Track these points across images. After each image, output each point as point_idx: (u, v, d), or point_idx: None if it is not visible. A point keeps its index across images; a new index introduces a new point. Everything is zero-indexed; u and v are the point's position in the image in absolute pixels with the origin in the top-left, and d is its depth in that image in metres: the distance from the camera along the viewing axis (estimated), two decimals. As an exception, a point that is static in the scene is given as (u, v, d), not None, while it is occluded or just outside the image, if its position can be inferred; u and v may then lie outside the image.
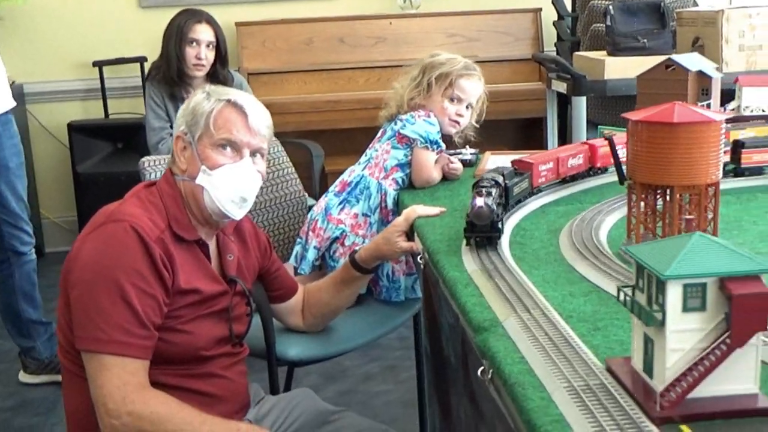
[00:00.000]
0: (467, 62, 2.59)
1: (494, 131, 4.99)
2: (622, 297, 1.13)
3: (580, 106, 3.94)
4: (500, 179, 1.88)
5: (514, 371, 1.22)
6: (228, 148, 1.79)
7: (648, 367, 1.11)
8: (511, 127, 5.10)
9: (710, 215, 1.67)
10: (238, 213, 1.83)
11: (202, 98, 1.81)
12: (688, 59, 1.93)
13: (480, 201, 1.71)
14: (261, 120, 1.82)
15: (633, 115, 1.62)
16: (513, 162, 2.11)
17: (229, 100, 1.80)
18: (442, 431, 1.85)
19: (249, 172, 1.82)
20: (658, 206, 1.67)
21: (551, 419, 1.07)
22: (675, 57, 1.92)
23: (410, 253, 2.16)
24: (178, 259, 1.72)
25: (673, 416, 1.04)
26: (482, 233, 1.72)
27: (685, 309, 1.05)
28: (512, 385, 1.19)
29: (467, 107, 2.61)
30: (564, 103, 4.34)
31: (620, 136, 1.93)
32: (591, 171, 2.30)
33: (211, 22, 3.65)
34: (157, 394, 1.65)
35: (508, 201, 1.93)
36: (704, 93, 1.92)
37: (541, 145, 4.56)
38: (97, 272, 1.65)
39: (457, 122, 2.59)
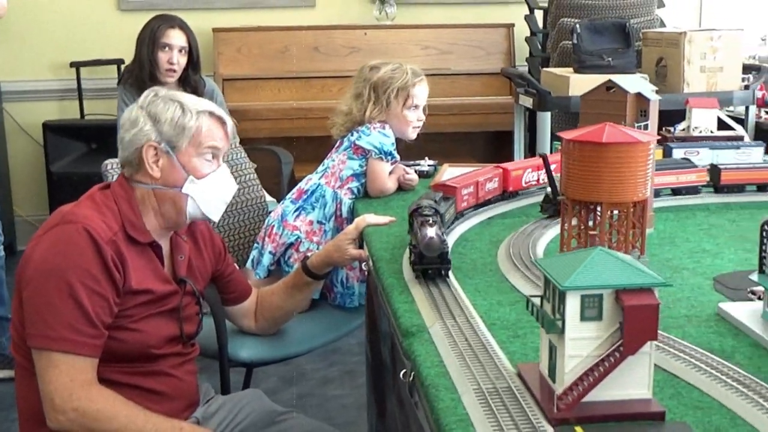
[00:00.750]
0: (413, 69, 2.68)
1: (464, 143, 5.09)
2: (530, 306, 1.21)
3: (545, 120, 4.03)
4: (435, 206, 1.84)
5: (431, 374, 1.29)
6: (211, 157, 1.89)
7: (552, 372, 1.18)
8: (482, 140, 5.19)
9: (638, 231, 1.75)
10: (218, 216, 1.96)
11: (179, 112, 1.86)
12: (628, 81, 2.00)
13: (431, 232, 1.65)
14: (231, 127, 1.96)
15: (566, 135, 1.70)
16: (435, 186, 2.12)
17: (209, 112, 1.90)
18: (378, 429, 1.92)
19: (229, 178, 1.95)
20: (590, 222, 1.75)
21: (457, 419, 1.15)
22: (615, 78, 2.00)
23: (359, 260, 2.23)
24: (130, 261, 1.78)
25: (568, 418, 1.12)
26: (432, 265, 1.67)
27: (583, 318, 1.12)
28: (427, 386, 1.26)
29: (423, 109, 2.69)
30: (533, 117, 4.43)
31: (555, 154, 2.02)
32: (504, 195, 2.32)
33: (184, 27, 3.72)
34: (102, 392, 1.71)
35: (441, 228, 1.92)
36: (642, 114, 1.99)
37: (510, 157, 4.64)
38: (49, 272, 1.71)
39: (419, 127, 2.68)
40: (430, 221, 1.70)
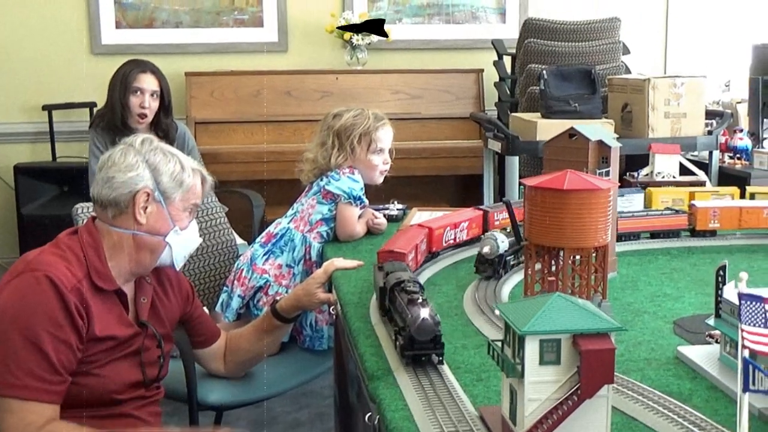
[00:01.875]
0: (375, 113, 2.72)
1: (434, 186, 5.14)
2: (491, 351, 1.24)
3: (514, 164, 4.10)
4: (409, 275, 1.71)
5: (395, 417, 1.31)
6: (189, 212, 1.99)
7: (512, 415, 1.21)
8: (451, 183, 5.24)
9: (600, 275, 1.79)
10: (181, 264, 2.03)
11: (178, 168, 1.95)
12: (590, 129, 2.06)
13: (423, 312, 1.47)
14: None
15: (528, 181, 1.74)
16: (383, 254, 1.96)
17: (200, 172, 2.01)
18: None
19: (197, 230, 2.05)
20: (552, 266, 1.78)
21: (419, 462, 1.17)
22: (577, 126, 2.05)
23: (328, 304, 2.25)
24: (94, 308, 1.80)
25: (528, 460, 1.15)
26: (424, 351, 1.47)
27: (542, 362, 1.15)
28: (392, 430, 1.28)
29: (387, 152, 2.73)
30: (502, 160, 4.49)
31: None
32: (431, 255, 2.23)
33: (155, 72, 3.75)
34: (61, 427, 1.72)
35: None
36: (604, 161, 2.05)
37: (479, 201, 4.69)
38: (12, 320, 1.72)
39: (386, 170, 2.71)
40: (420, 300, 1.53)
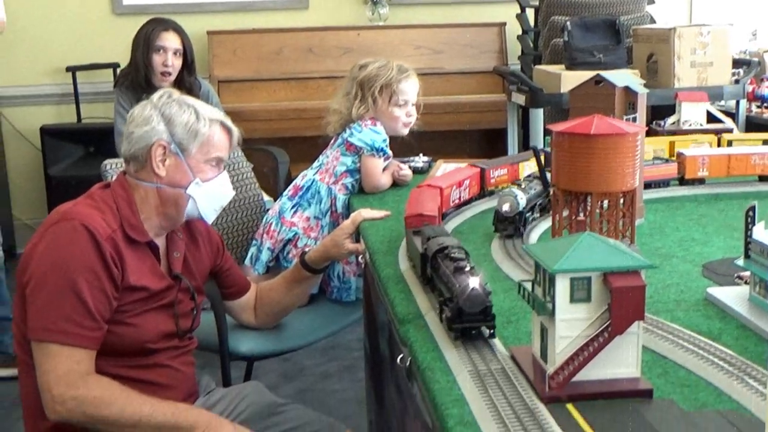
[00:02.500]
0: (399, 65, 2.71)
1: (458, 141, 5.13)
2: (521, 290, 1.25)
3: (538, 117, 4.09)
4: (454, 241, 1.58)
5: (427, 358, 1.33)
6: (215, 164, 1.98)
7: (543, 353, 1.22)
8: (475, 137, 5.23)
9: (628, 220, 1.79)
10: (213, 218, 2.03)
11: (193, 118, 1.93)
12: (616, 76, 2.05)
13: (473, 282, 1.34)
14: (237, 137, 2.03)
15: (555, 127, 1.74)
16: (412, 218, 1.84)
17: (221, 122, 1.98)
18: (378, 420, 1.96)
19: (228, 185, 2.03)
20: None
21: (452, 399, 1.19)
22: (604, 73, 2.04)
23: (356, 253, 2.27)
24: (128, 258, 1.83)
25: (560, 396, 1.16)
26: (474, 323, 1.35)
27: (573, 300, 1.16)
28: (423, 369, 1.30)
29: (413, 105, 2.71)
30: (527, 114, 4.48)
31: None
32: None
33: (178, 30, 3.76)
34: (100, 380, 1.75)
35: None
36: (631, 107, 2.04)
37: (503, 154, 4.68)
38: (50, 267, 1.75)
39: (409, 123, 2.70)
40: (468, 268, 1.41)
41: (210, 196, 1.97)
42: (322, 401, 3.24)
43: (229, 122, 2.01)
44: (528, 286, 1.24)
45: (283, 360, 3.53)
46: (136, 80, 3.71)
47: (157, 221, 1.93)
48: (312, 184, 2.65)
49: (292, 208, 2.63)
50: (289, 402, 2.16)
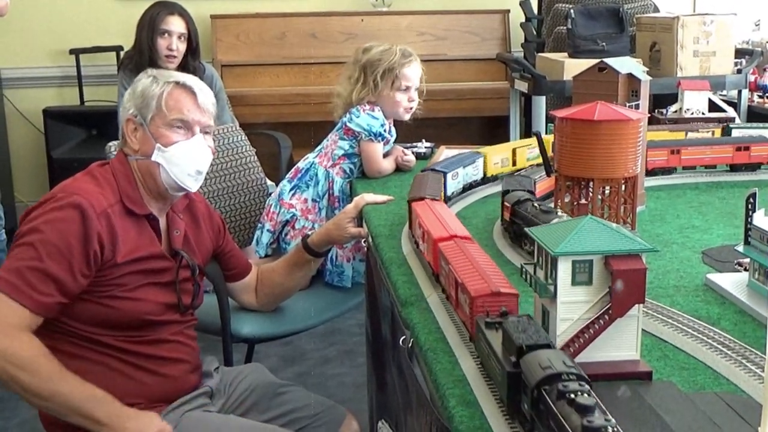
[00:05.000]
0: (402, 49, 2.70)
1: (459, 128, 5.14)
2: (523, 273, 1.26)
3: (540, 104, 4.08)
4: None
5: (429, 339, 1.35)
6: (180, 127, 1.94)
7: (545, 335, 1.23)
8: (476, 124, 5.24)
9: (629, 207, 1.81)
10: (194, 185, 1.98)
11: (149, 82, 1.95)
12: (620, 62, 2.05)
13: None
14: (208, 98, 1.98)
15: (559, 113, 1.76)
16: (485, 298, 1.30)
17: (177, 82, 1.95)
18: (378, 402, 1.98)
19: (201, 147, 1.97)
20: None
21: (454, 379, 1.21)
22: (607, 60, 2.05)
23: (359, 237, 2.28)
24: (126, 232, 1.85)
25: (560, 377, 1.17)
26: None
27: (574, 283, 1.18)
28: (426, 350, 1.32)
29: (415, 90, 2.71)
30: (529, 101, 4.48)
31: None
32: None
33: (183, 14, 3.76)
34: (31, 343, 1.73)
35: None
36: (634, 94, 2.05)
37: (505, 141, 4.68)
38: (30, 230, 1.79)
39: (411, 108, 2.71)
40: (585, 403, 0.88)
41: (178, 161, 1.92)
42: (321, 385, 3.27)
43: (190, 82, 1.96)
44: (530, 269, 1.25)
45: (284, 344, 3.56)
46: (140, 63, 3.71)
47: (148, 196, 1.95)
48: (311, 167, 2.66)
49: (291, 189, 2.66)
50: (291, 384, 2.18)
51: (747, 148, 2.41)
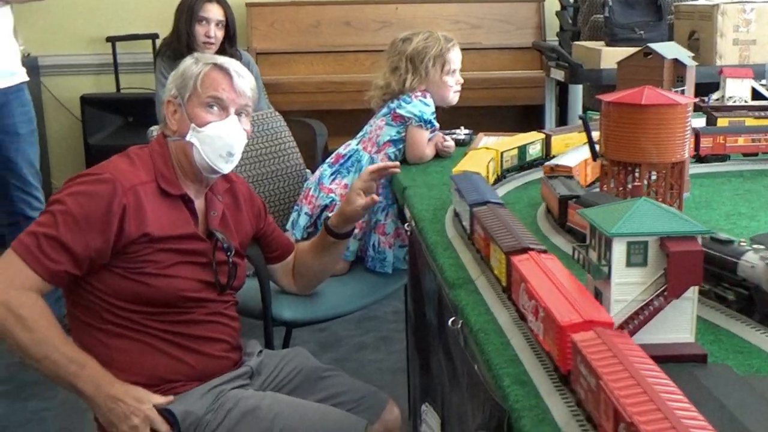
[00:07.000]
0: (444, 35, 2.73)
1: (494, 117, 5.13)
2: (576, 254, 1.26)
3: (577, 93, 4.07)
4: None
5: (479, 320, 1.35)
6: (215, 107, 1.96)
7: (597, 318, 1.23)
8: (511, 113, 5.23)
9: (676, 192, 1.80)
10: (225, 167, 1.98)
11: (191, 63, 1.99)
12: (665, 48, 2.04)
13: None
14: (245, 81, 1.99)
15: (605, 97, 1.75)
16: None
17: (215, 64, 1.97)
18: (422, 386, 1.98)
19: (235, 128, 1.97)
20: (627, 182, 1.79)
21: (507, 359, 1.21)
22: (653, 45, 2.04)
23: (370, 206, 2.27)
24: (157, 210, 1.87)
25: (614, 359, 1.17)
26: None
27: (629, 264, 1.17)
28: (477, 331, 1.32)
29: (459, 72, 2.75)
30: (564, 91, 4.46)
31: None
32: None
33: (221, 1, 3.78)
34: (35, 303, 1.78)
35: None
36: (679, 80, 2.03)
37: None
38: (55, 200, 1.84)
39: (458, 90, 2.74)
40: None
41: (211, 141, 1.93)
42: (358, 371, 3.28)
43: (227, 64, 1.98)
44: (583, 250, 1.25)
45: (320, 330, 3.58)
46: (178, 50, 3.73)
47: (184, 177, 1.97)
48: (354, 153, 2.67)
49: (332, 174, 2.67)
50: (333, 368, 2.19)
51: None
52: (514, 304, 1.29)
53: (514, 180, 2.29)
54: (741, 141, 2.38)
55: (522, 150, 2.29)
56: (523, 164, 2.30)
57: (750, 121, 2.54)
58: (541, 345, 1.15)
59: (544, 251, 1.33)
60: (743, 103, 2.83)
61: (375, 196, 2.25)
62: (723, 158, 2.37)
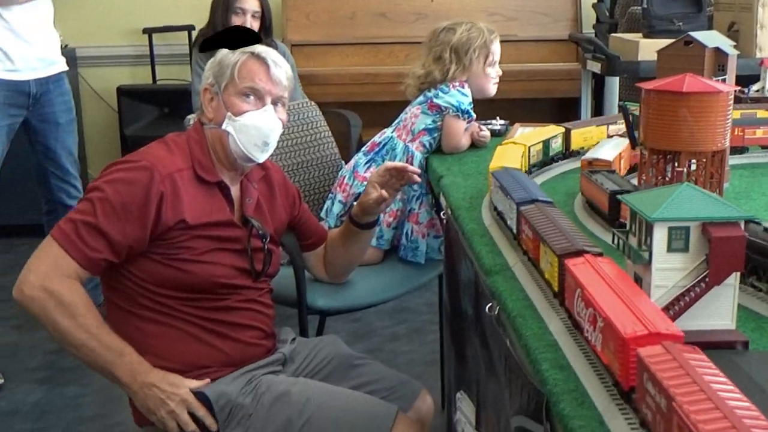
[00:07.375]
0: (486, 26, 2.73)
1: (529, 109, 5.10)
2: (615, 240, 1.25)
3: (613, 85, 4.03)
4: None
5: (517, 306, 1.35)
6: (251, 97, 1.96)
7: (637, 303, 1.22)
8: (547, 106, 5.19)
9: (716, 181, 1.77)
10: (260, 156, 1.99)
11: (228, 51, 1.99)
12: (707, 36, 2.02)
13: None
14: (281, 71, 1.99)
15: (646, 85, 1.73)
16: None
17: (252, 53, 1.97)
18: (458, 374, 1.98)
19: (271, 118, 1.98)
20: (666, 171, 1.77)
21: (545, 344, 1.20)
22: (694, 33, 2.01)
23: (379, 200, 2.25)
24: (194, 197, 1.88)
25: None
26: None
27: (670, 249, 1.16)
28: (515, 317, 1.32)
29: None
30: (600, 83, 4.42)
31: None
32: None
33: (257, -8, 3.79)
34: (77, 289, 1.81)
35: None
36: (720, 69, 2.01)
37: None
38: (94, 187, 1.85)
39: (497, 81, 2.74)
40: None
41: (247, 130, 1.94)
42: (391, 361, 3.28)
43: (265, 53, 1.97)
44: (623, 235, 1.24)
45: (353, 320, 3.58)
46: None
47: (220, 165, 1.98)
48: (389, 141, 2.68)
49: (366, 163, 2.67)
50: (366, 357, 2.19)
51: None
52: (567, 311, 1.22)
53: (541, 174, 2.27)
54: (760, 133, 2.35)
55: (546, 144, 2.27)
56: (547, 159, 2.28)
57: (761, 113, 2.50)
58: (598, 357, 1.08)
59: (600, 254, 1.27)
60: (784, 95, 2.79)
61: (384, 193, 2.23)
62: (741, 150, 2.34)
